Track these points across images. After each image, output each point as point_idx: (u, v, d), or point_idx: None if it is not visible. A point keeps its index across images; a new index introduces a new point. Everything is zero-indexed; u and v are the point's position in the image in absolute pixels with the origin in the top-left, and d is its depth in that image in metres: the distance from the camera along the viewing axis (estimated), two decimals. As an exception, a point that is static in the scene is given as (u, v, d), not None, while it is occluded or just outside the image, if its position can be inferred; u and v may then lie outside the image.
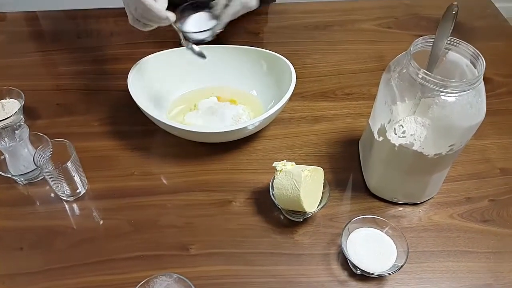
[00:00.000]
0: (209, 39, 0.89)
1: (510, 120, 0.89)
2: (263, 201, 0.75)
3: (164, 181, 0.79)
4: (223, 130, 0.79)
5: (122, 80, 0.83)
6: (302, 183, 0.66)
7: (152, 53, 0.88)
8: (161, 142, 0.85)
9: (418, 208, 0.75)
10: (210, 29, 0.87)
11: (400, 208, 0.75)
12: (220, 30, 0.88)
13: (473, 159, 0.82)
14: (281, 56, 0.87)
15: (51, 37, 1.08)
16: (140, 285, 0.60)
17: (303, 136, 0.86)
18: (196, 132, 0.79)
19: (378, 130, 0.69)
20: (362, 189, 0.77)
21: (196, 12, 0.90)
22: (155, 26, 0.79)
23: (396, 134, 0.65)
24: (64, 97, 0.93)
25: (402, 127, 0.64)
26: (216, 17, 0.87)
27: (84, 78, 0.97)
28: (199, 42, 0.88)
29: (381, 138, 0.69)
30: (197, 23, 0.89)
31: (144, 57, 0.87)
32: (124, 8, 0.78)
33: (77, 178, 0.74)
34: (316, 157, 0.82)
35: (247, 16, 1.13)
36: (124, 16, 0.79)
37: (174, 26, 0.80)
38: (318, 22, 1.12)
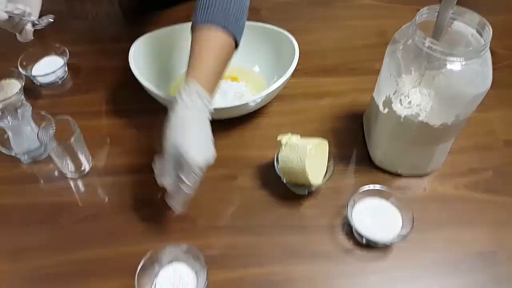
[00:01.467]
0: (59, 83, 0.91)
1: (514, 92, 0.89)
2: (267, 176, 0.75)
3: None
4: (225, 106, 0.79)
5: (123, 59, 0.82)
6: (307, 155, 0.66)
7: (152, 31, 0.88)
8: (164, 120, 0.84)
9: (423, 180, 0.75)
10: (54, 71, 0.89)
11: (405, 180, 0.75)
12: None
13: (477, 132, 0.82)
14: (284, 31, 0.86)
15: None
16: (149, 255, 0.61)
17: (307, 112, 0.86)
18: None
19: (383, 102, 0.69)
20: (367, 163, 0.77)
21: (45, 56, 0.92)
22: (27, 27, 0.73)
23: (402, 105, 0.65)
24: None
25: (408, 97, 0.64)
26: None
27: (84, 58, 0.96)
28: (48, 85, 0.91)
29: (386, 110, 0.69)
30: (45, 67, 0.91)
31: (144, 35, 0.87)
32: None
33: (81, 155, 0.74)
34: (320, 132, 0.82)
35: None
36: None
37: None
38: (320, -2, 1.12)
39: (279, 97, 0.85)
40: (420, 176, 0.76)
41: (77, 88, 0.91)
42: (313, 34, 1.02)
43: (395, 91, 0.66)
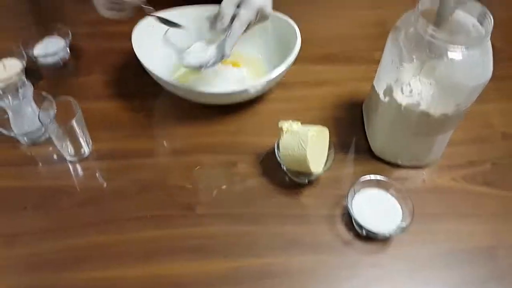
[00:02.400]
0: (60, 64, 0.91)
1: (513, 85, 0.90)
2: (267, 163, 0.76)
3: (169, 143, 0.79)
4: (226, 92, 0.78)
5: (126, 41, 0.82)
6: (308, 142, 0.66)
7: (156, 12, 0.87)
8: (165, 104, 0.84)
9: (422, 171, 0.76)
10: (56, 52, 0.88)
11: (404, 171, 0.75)
12: None
13: (475, 124, 0.83)
14: (286, 18, 0.86)
15: (48, 2, 1.06)
16: None
17: (307, 100, 0.86)
18: (199, 92, 0.77)
19: (384, 90, 0.69)
20: (366, 152, 0.78)
21: (47, 36, 0.92)
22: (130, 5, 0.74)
23: (403, 93, 0.65)
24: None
25: (410, 85, 0.64)
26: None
27: (87, 39, 0.96)
28: (49, 66, 0.90)
29: (387, 99, 0.69)
30: (46, 48, 0.90)
31: (147, 16, 0.85)
32: None
33: (81, 138, 0.74)
34: (320, 120, 0.82)
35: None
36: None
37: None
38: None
39: (279, 84, 0.85)
40: (419, 167, 0.76)
41: (79, 70, 0.90)
42: (311, 22, 1.01)
43: (396, 79, 0.66)
